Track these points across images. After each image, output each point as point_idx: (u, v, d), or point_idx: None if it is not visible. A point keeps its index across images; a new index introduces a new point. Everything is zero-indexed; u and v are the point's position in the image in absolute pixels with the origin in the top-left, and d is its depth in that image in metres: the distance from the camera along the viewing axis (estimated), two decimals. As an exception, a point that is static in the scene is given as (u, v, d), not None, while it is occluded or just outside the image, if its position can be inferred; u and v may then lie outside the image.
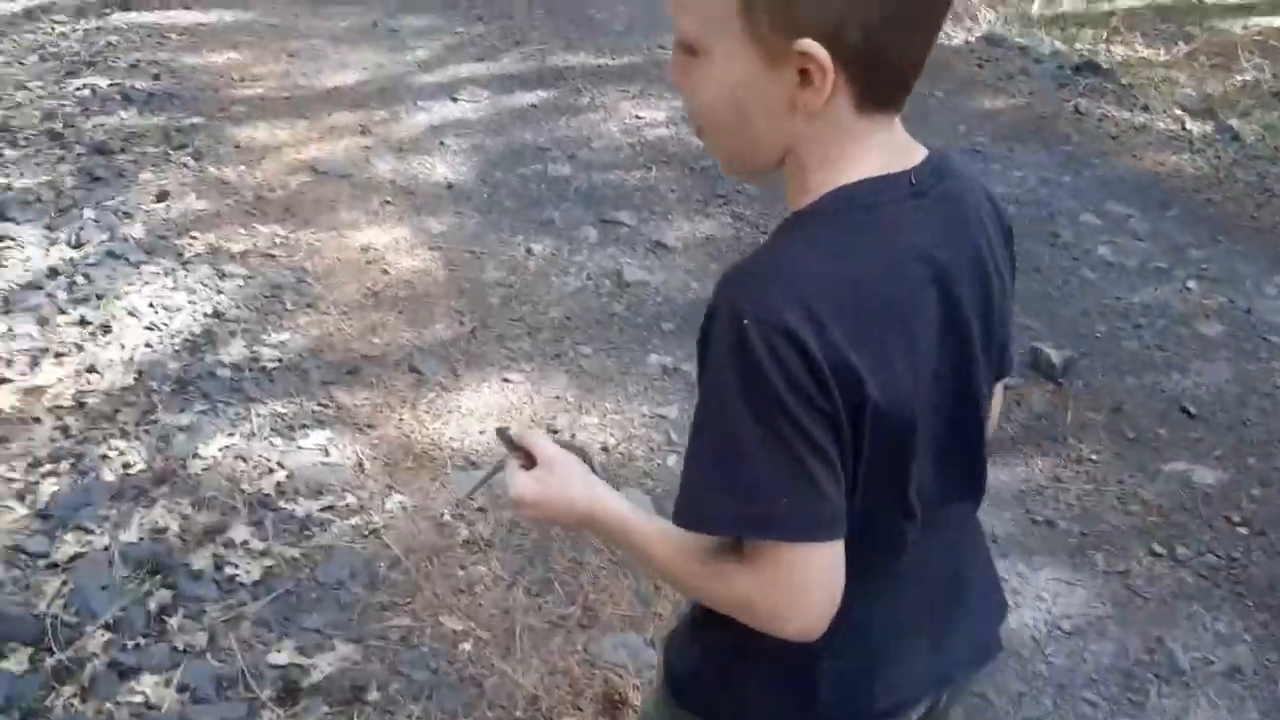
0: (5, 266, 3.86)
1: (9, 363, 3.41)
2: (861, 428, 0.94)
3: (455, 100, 5.43)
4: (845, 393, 0.92)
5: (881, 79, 0.95)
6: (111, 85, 5.41)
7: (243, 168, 4.66)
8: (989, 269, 1.06)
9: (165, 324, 3.56)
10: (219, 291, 3.73)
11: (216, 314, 3.61)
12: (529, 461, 1.17)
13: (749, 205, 4.43)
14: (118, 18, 6.42)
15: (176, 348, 3.44)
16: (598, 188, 4.58)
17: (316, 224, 4.22)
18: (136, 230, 4.08)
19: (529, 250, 4.06)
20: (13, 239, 4.00)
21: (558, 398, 3.27)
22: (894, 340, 0.96)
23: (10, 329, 3.52)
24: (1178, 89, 6.04)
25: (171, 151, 4.75)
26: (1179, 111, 5.50)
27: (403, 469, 2.97)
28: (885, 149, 0.99)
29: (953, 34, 6.65)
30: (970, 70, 6.04)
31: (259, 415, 3.14)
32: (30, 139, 4.86)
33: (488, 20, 6.63)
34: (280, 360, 3.40)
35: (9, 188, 4.39)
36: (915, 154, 1.02)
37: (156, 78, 5.54)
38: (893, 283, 0.98)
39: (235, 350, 3.44)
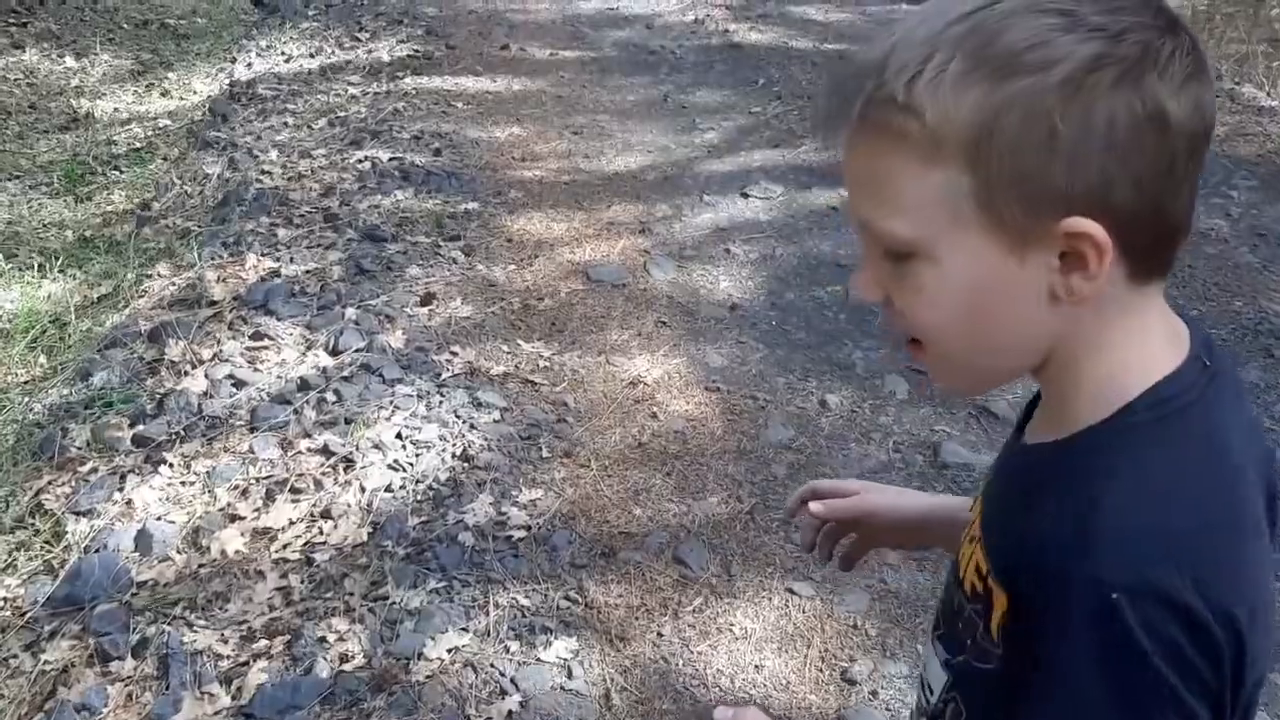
0: (259, 371, 3.60)
1: (244, 493, 3.11)
2: (1241, 694, 0.75)
3: (746, 196, 4.90)
4: (1232, 656, 0.73)
5: (1158, 240, 0.78)
6: (392, 159, 5.20)
7: (513, 268, 4.27)
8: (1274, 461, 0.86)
9: (410, 464, 3.17)
10: (472, 427, 3.32)
11: (466, 457, 3.19)
12: None
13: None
14: (410, 81, 6.29)
15: (419, 497, 3.04)
16: (906, 323, 3.91)
17: (583, 345, 3.76)
18: (396, 339, 3.75)
19: (823, 403, 3.45)
20: (272, 338, 3.75)
21: (855, 627, 2.64)
22: (1260, 576, 0.77)
23: (252, 449, 3.23)
24: None
25: (442, 243, 4.43)
26: None
27: (657, 711, 2.41)
28: (1166, 327, 0.82)
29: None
30: None
31: (498, 605, 2.67)
32: (306, 217, 4.68)
33: (785, 99, 6.08)
34: (528, 529, 2.93)
35: (277, 274, 4.18)
36: (1181, 325, 0.84)
37: (438, 153, 5.29)
38: (1240, 507, 0.79)
39: (481, 509, 3.00)
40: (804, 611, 2.67)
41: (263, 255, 4.32)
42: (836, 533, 1.26)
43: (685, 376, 3.60)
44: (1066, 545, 0.75)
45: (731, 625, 2.64)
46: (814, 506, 1.22)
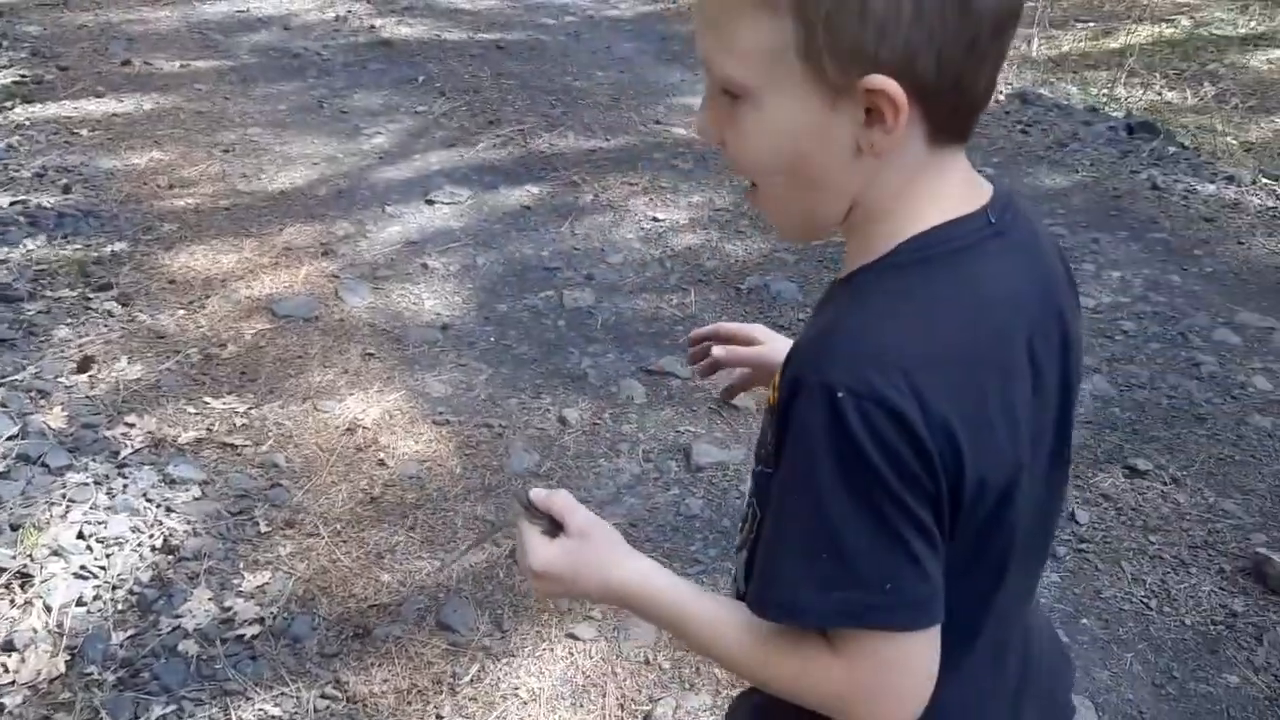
0: (-120, 484, 2.93)
1: (-112, 640, 2.50)
2: (961, 502, 0.86)
3: (432, 203, 4.57)
4: (948, 470, 0.84)
5: (956, 109, 0.87)
6: (14, 204, 4.47)
7: (182, 313, 3.75)
8: (1069, 320, 0.98)
9: (102, 568, 2.67)
10: (169, 510, 2.84)
11: (169, 548, 2.72)
12: (553, 529, 1.06)
13: (819, 338, 3.64)
14: (20, 111, 5.46)
15: (120, 607, 2.55)
16: (628, 321, 3.75)
17: (283, 392, 3.34)
18: (56, 417, 3.17)
19: (562, 420, 3.22)
20: (-111, 441, 3.06)
21: (647, 663, 2.44)
22: (994, 405, 0.87)
23: (-111, 584, 2.60)
24: (1261, 156, 5.41)
25: (91, 295, 3.82)
26: (1266, 181, 4.83)
27: (459, 812, 2.11)
28: (960, 186, 0.91)
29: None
30: (1016, 138, 5.33)
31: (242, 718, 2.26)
32: (-89, 284, 3.90)
33: (451, 95, 5.77)
34: (262, 621, 2.52)
35: (-117, 359, 3.44)
36: (984, 189, 0.93)
37: (67, 190, 4.60)
38: (989, 343, 0.89)
39: (199, 608, 2.55)
40: (590, 657, 2.45)
41: None
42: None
43: (408, 413, 3.26)
44: (808, 356, 0.87)
45: (517, 689, 2.37)
46: (717, 351, 1.34)
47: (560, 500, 1.07)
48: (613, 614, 2.54)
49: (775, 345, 1.34)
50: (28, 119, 5.41)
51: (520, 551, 1.07)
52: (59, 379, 3.37)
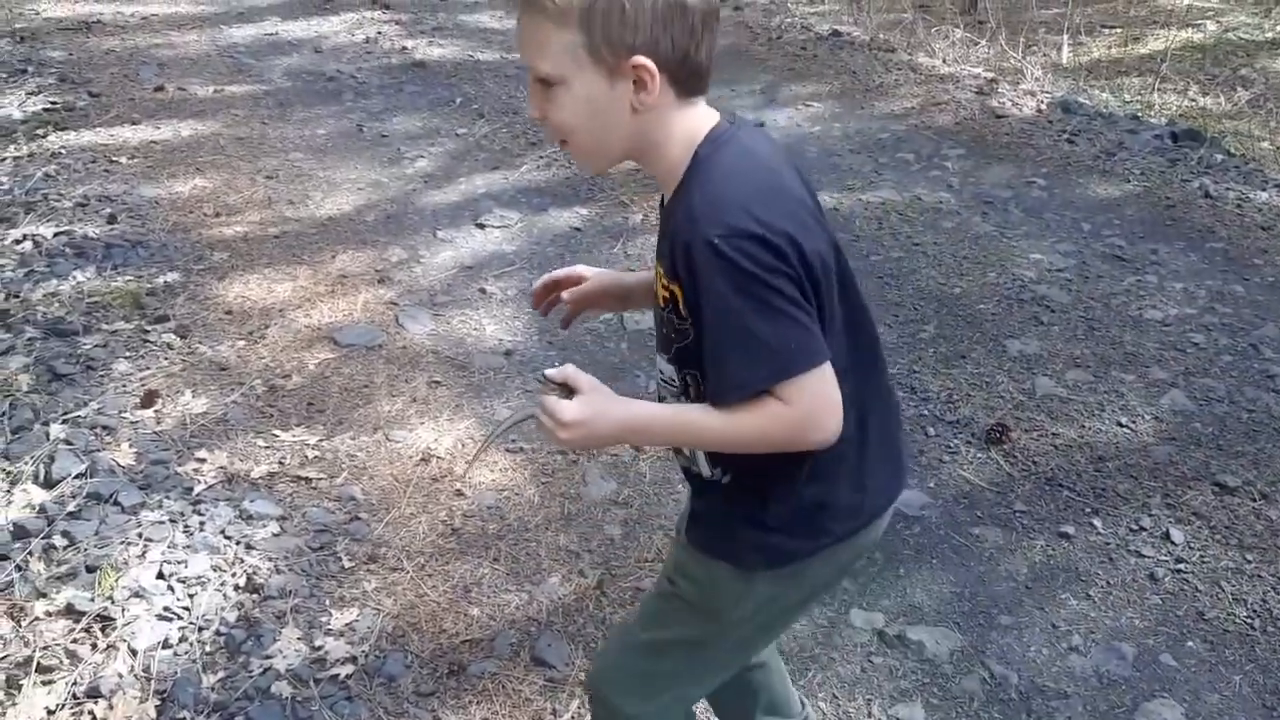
0: (-47, 525, 2.89)
1: (-27, 687, 2.46)
2: (814, 275, 1.29)
3: (482, 227, 4.54)
4: (797, 257, 1.27)
5: (690, 73, 1.33)
6: (59, 235, 4.44)
7: (242, 344, 3.72)
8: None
9: (185, 609, 2.63)
10: (249, 547, 2.80)
11: (253, 586, 2.68)
12: (568, 393, 1.38)
13: (888, 354, 3.58)
14: (55, 139, 5.44)
15: (208, 649, 2.51)
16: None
17: (353, 422, 3.31)
18: (124, 454, 3.13)
19: (635, 449, 3.18)
20: (-41, 480, 3.03)
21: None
22: (803, 211, 1.34)
23: (-30, 627, 2.57)
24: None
25: (148, 327, 3.80)
26: (1320, 188, 4.79)
27: None
28: (708, 119, 1.38)
29: (1018, 101, 5.92)
30: (1063, 148, 5.29)
31: (345, 766, 2.22)
32: (-35, 319, 3.88)
33: (490, 117, 5.75)
34: (354, 660, 2.48)
35: (-56, 396, 3.41)
36: (716, 116, 1.40)
37: (113, 219, 4.58)
38: (780, 179, 1.37)
39: (289, 647, 2.51)
40: (694, 692, 2.40)
41: (-80, 375, 3.53)
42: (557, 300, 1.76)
43: (480, 441, 3.22)
44: (683, 228, 1.29)
45: None
46: (566, 296, 1.72)
47: (570, 371, 1.40)
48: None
49: (600, 276, 1.72)
50: (63, 147, 5.40)
51: (549, 416, 1.37)
52: (123, 414, 3.34)
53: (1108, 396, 3.40)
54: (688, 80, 1.33)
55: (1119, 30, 8.29)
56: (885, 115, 5.77)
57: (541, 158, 5.25)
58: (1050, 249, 4.29)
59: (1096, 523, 2.88)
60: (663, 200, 1.44)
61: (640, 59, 1.28)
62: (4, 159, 5.30)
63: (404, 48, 6.85)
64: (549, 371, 1.41)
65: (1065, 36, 7.54)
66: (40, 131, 5.58)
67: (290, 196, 4.87)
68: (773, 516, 1.45)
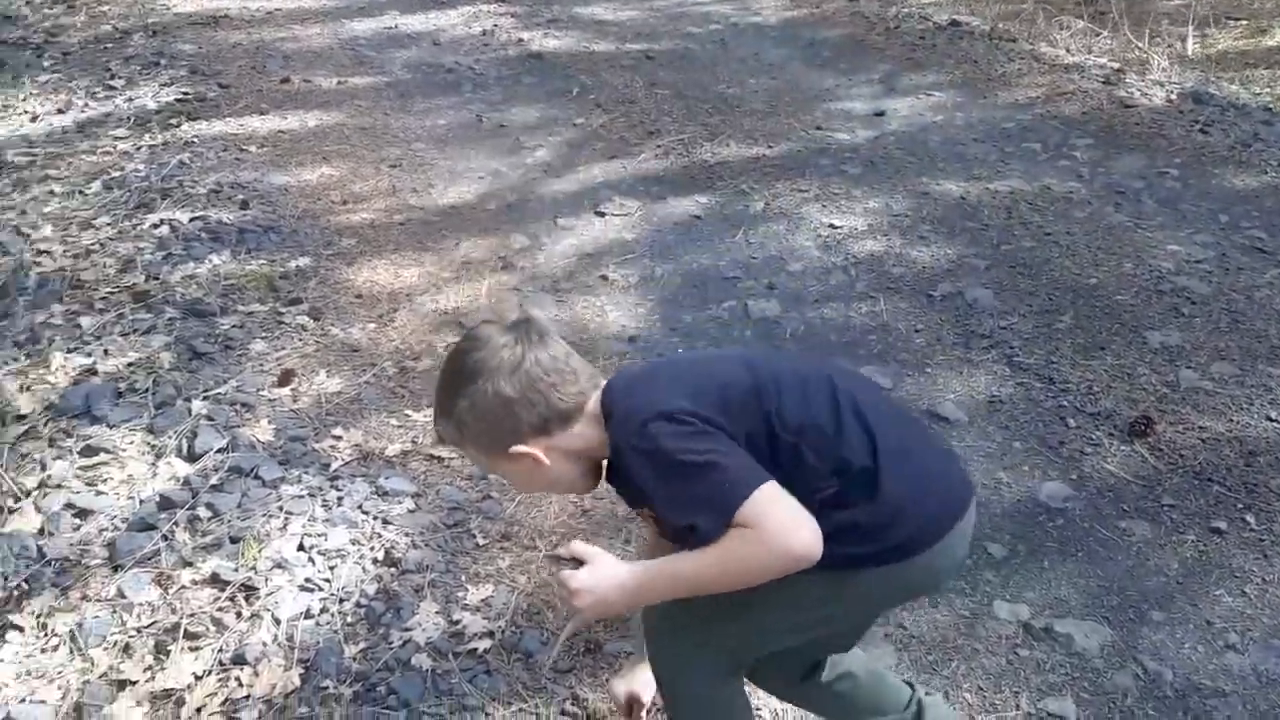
0: (104, 494, 3.00)
1: (126, 650, 2.54)
2: (719, 420, 1.50)
3: (602, 215, 4.56)
4: (694, 415, 1.49)
5: (557, 417, 1.59)
6: (194, 220, 4.57)
7: (373, 327, 3.78)
8: None
9: (326, 580, 2.68)
10: (386, 522, 2.85)
11: (391, 560, 2.72)
12: (578, 565, 1.54)
13: (1024, 346, 3.51)
14: (188, 129, 5.61)
15: (349, 620, 2.56)
16: (818, 330, 3.67)
17: (482, 404, 3.33)
18: (263, 430, 3.21)
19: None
20: (109, 451, 3.15)
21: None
22: (681, 379, 1.62)
23: (122, 593, 2.66)
24: None
25: (283, 309, 3.88)
26: None
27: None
28: (594, 416, 1.62)
29: (1146, 91, 5.74)
30: (1196, 139, 5.12)
31: (486, 740, 2.24)
32: (109, 299, 4.02)
33: (607, 107, 5.76)
34: (491, 635, 2.50)
35: (93, 372, 3.54)
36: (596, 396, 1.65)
37: (245, 206, 4.69)
38: (651, 370, 1.79)
39: (428, 620, 2.54)
40: (833, 678, 2.36)
41: (69, 352, 3.66)
42: None
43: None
44: (614, 450, 1.54)
45: (759, 709, 2.30)
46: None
47: (576, 545, 1.57)
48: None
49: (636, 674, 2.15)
50: (195, 136, 5.56)
51: (562, 587, 1.54)
52: (261, 392, 3.42)
53: (1255, 390, 3.27)
54: (563, 421, 1.59)
55: (1245, 22, 7.99)
56: (1009, 105, 5.65)
57: (659, 146, 5.25)
58: (1187, 240, 4.15)
59: (1249, 519, 2.77)
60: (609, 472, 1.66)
61: (515, 449, 1.58)
62: (140, 147, 5.48)
63: (520, 40, 6.90)
64: (557, 550, 1.60)
65: (1190, 28, 7.29)
66: (173, 121, 5.75)
67: (414, 185, 4.94)
68: (850, 535, 1.53)
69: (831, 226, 4.34)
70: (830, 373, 1.65)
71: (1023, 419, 3.16)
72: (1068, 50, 6.41)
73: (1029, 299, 3.75)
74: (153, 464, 3.12)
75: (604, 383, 1.63)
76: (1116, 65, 6.12)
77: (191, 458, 3.11)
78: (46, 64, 7.00)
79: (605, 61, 6.39)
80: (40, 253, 4.43)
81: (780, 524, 1.39)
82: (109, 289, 4.08)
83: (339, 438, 3.18)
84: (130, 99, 6.12)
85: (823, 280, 3.95)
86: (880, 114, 5.52)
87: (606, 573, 1.51)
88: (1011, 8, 7.90)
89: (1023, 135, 5.21)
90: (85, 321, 3.86)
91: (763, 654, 1.82)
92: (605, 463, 1.63)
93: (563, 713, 2.31)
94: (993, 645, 2.42)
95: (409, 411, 3.30)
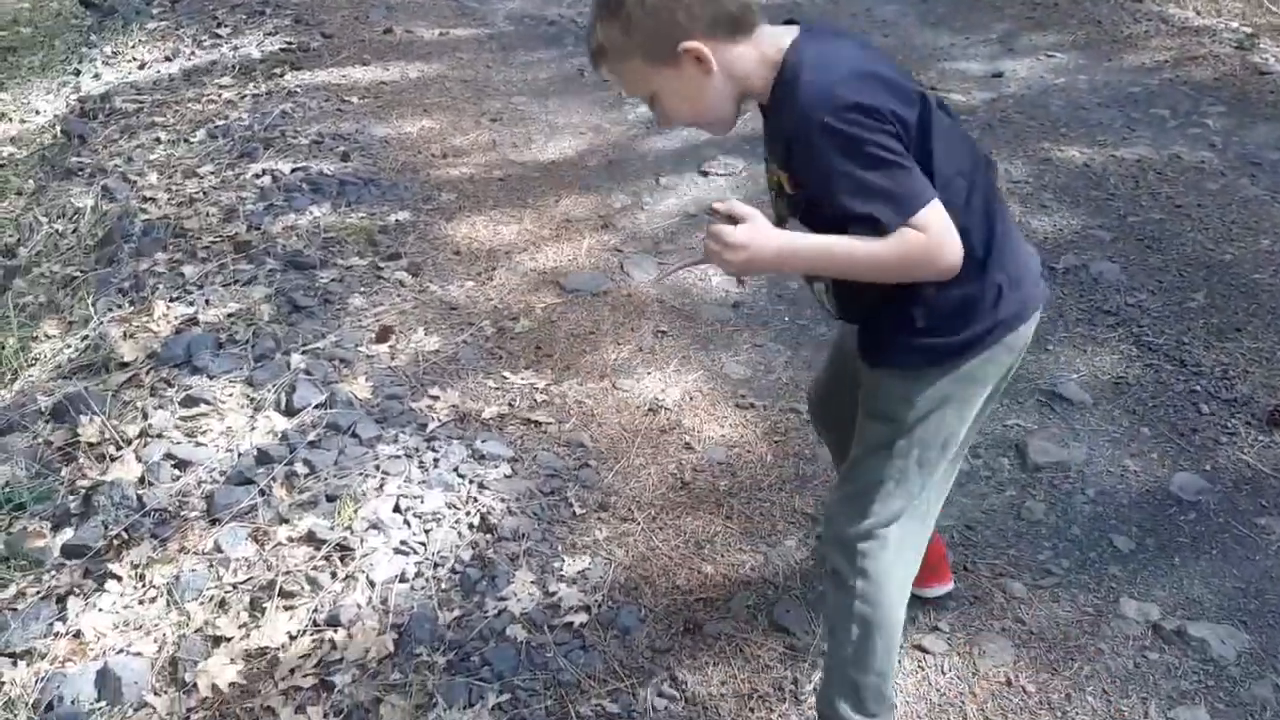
0: (203, 446, 2.99)
1: (222, 605, 2.53)
2: (909, 131, 1.55)
3: (706, 174, 4.43)
4: (892, 116, 1.51)
5: (729, 21, 1.60)
6: (295, 170, 4.56)
7: (471, 284, 3.73)
8: None
9: (421, 544, 2.64)
10: (482, 487, 2.79)
11: (487, 526, 2.66)
12: (734, 222, 1.58)
13: (1153, 325, 3.31)
14: (291, 78, 5.60)
15: (444, 586, 2.51)
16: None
17: (580, 369, 3.26)
18: (361, 387, 3.17)
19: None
20: (208, 402, 3.14)
21: (1009, 684, 2.23)
22: (883, 79, 1.56)
23: (219, 547, 2.65)
24: None
25: (382, 264, 3.84)
26: None
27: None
28: (776, 40, 1.63)
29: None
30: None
31: (581, 717, 2.17)
32: (211, 248, 4.02)
33: (712, 63, 5.60)
34: (588, 609, 2.43)
35: (195, 321, 3.54)
36: (789, 33, 1.65)
37: (345, 157, 4.66)
38: (876, 67, 1.59)
39: (524, 591, 2.48)
40: (944, 673, 2.25)
41: (172, 300, 3.67)
42: None
43: (709, 394, 3.13)
44: (795, 114, 1.56)
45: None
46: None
47: (734, 203, 1.60)
48: (958, 624, 2.34)
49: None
50: (299, 86, 5.54)
51: (717, 240, 1.58)
52: (359, 348, 3.38)
53: None
54: (731, 27, 1.60)
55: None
56: (1135, 68, 5.36)
57: (766, 106, 5.08)
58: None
59: (1403, 521, 2.58)
60: (764, 110, 1.69)
61: (683, 45, 1.57)
62: (244, 96, 5.49)
63: (624, -8, 6.75)
64: (716, 204, 1.62)
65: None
66: (277, 70, 5.75)
67: (514, 140, 4.87)
68: (921, 318, 1.68)
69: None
70: (986, 155, 1.78)
71: (1151, 403, 2.98)
72: (1196, 12, 6.06)
73: (1158, 275, 3.54)
74: (251, 416, 3.11)
75: (787, 34, 1.63)
76: (1249, 29, 5.77)
77: (290, 412, 3.09)
78: (155, 11, 7.06)
79: (711, 16, 6.22)
80: (146, 199, 4.46)
81: (946, 236, 1.51)
82: (212, 238, 4.09)
83: (436, 398, 3.13)
84: (236, 47, 6.13)
85: (936, 249, 3.78)
86: (998, 75, 5.28)
87: (763, 233, 1.57)
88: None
89: (1150, 100, 4.94)
90: (188, 270, 3.87)
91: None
92: (760, 106, 1.68)
93: (660, 694, 2.24)
94: (1119, 646, 2.28)
95: (506, 373, 3.24)
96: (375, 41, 6.11)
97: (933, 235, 1.50)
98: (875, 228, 1.51)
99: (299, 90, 5.44)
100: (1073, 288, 3.49)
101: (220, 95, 5.50)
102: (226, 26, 6.49)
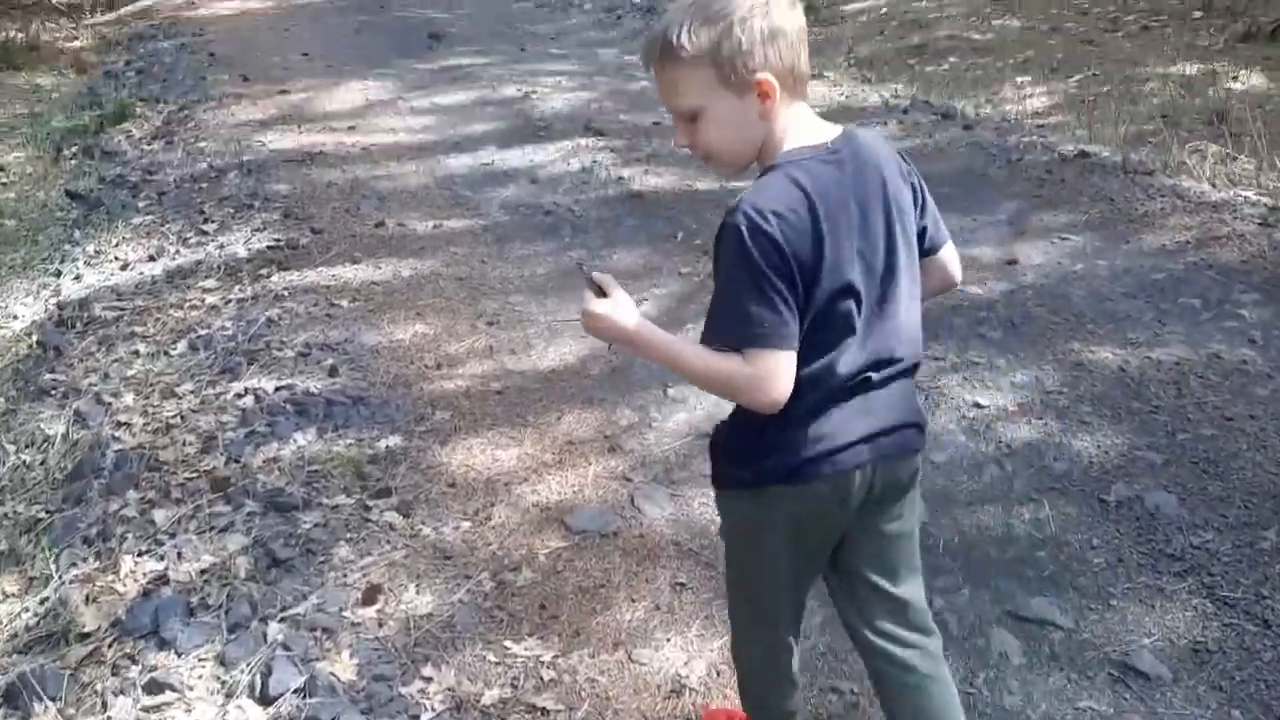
0: (163, 746, 2.62)
1: None
2: (808, 281, 1.66)
3: (717, 386, 4.15)
4: (797, 260, 1.64)
5: (797, 80, 1.73)
6: (280, 389, 4.29)
7: (467, 525, 3.41)
8: (890, 193, 1.77)
9: None
10: (482, 801, 2.41)
11: None
12: (602, 294, 1.76)
13: (1224, 572, 2.98)
14: (278, 280, 5.38)
15: None
16: (975, 543, 3.19)
17: (590, 633, 2.92)
18: (344, 665, 2.84)
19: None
20: (175, 688, 2.80)
21: None
22: (828, 233, 1.67)
23: None
24: None
25: (370, 503, 3.54)
26: None
27: None
28: (807, 124, 1.76)
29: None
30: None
31: None
32: (187, 486, 3.72)
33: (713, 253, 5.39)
34: None
35: (164, 579, 3.23)
36: (831, 129, 1.78)
37: (333, 372, 4.40)
38: (821, 201, 1.67)
39: None
40: None
41: (140, 554, 3.35)
42: None
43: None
44: (727, 214, 1.68)
45: None
46: None
47: (608, 279, 1.77)
48: None
49: None
50: (286, 288, 5.32)
51: (583, 305, 1.78)
52: (343, 613, 3.06)
53: None
54: (794, 85, 1.73)
55: None
56: (1156, 250, 5.15)
57: (775, 302, 4.85)
58: None
59: None
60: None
61: (764, 75, 1.68)
62: (229, 300, 5.26)
63: (620, 177, 6.61)
64: (594, 274, 1.79)
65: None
66: (264, 271, 5.54)
67: (511, 345, 4.62)
68: (729, 448, 1.90)
69: (977, 405, 3.87)
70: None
71: (1238, 676, 2.63)
72: (1212, 184, 5.91)
73: (1221, 507, 3.23)
74: (222, 706, 2.77)
75: (829, 130, 1.78)
76: (1271, 202, 5.60)
77: (265, 700, 2.75)
78: (141, 204, 6.91)
79: (709, 202, 6.06)
80: (120, 424, 4.19)
81: (770, 382, 1.66)
82: (188, 473, 3.79)
83: (429, 679, 2.79)
84: (222, 245, 5.94)
85: (974, 476, 3.48)
86: (1012, 262, 5.07)
87: (621, 313, 1.75)
88: (1136, 129, 7.44)
89: (1177, 289, 4.72)
90: (159, 515, 3.57)
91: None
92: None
93: None
94: None
95: (508, 643, 2.90)
96: (366, 236, 5.92)
97: (761, 373, 1.65)
98: (718, 336, 1.70)
99: (286, 294, 5.22)
100: (1129, 525, 3.17)
101: (204, 300, 5.28)
102: (213, 222, 6.31)
